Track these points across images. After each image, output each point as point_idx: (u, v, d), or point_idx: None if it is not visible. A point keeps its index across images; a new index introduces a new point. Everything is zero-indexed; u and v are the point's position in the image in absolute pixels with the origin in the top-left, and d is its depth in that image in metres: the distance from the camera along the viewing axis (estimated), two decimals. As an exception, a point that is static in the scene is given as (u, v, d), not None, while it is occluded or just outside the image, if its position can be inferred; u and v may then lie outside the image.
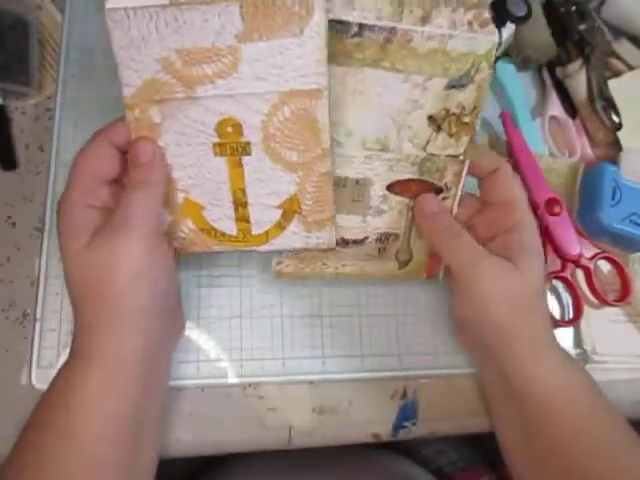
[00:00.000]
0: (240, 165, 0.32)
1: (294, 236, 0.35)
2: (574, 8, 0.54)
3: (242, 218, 0.34)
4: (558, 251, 0.48)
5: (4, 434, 0.35)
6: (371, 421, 0.42)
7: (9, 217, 0.39)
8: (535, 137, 0.53)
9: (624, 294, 0.49)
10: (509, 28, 0.50)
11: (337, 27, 0.29)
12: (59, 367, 0.32)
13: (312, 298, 0.42)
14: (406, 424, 0.42)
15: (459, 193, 0.38)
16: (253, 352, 0.40)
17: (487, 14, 0.31)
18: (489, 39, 0.30)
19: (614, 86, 0.54)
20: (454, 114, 0.33)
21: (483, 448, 0.66)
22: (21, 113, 0.42)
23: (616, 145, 0.54)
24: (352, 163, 0.35)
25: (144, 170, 0.32)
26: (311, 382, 0.41)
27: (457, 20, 0.30)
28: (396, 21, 0.30)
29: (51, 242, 0.38)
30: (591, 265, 0.48)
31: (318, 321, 0.42)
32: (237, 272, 0.41)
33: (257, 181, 0.33)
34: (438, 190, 0.37)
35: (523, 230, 0.37)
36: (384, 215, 0.38)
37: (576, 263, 0.48)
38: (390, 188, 0.37)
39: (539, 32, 0.53)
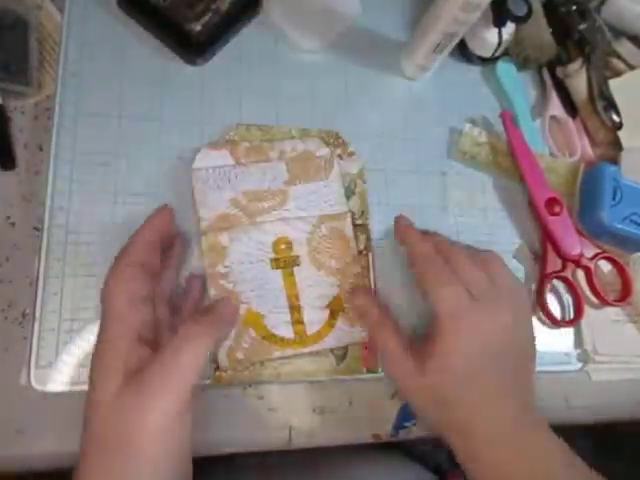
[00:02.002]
0: (292, 275, 0.40)
1: (341, 332, 0.40)
2: (574, 8, 0.54)
3: (297, 321, 0.40)
4: (558, 251, 0.48)
5: (4, 433, 0.35)
6: (371, 421, 0.42)
7: (8, 217, 0.39)
8: (535, 137, 0.53)
9: (625, 294, 0.49)
10: (509, 28, 0.51)
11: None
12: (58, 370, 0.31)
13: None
14: (406, 424, 0.42)
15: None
16: (253, 352, 0.40)
17: (351, 149, 0.46)
18: (357, 163, 0.45)
19: (614, 86, 0.54)
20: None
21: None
22: (20, 113, 0.42)
23: (616, 145, 0.54)
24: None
25: (207, 325, 0.33)
26: (311, 382, 0.41)
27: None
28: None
29: (50, 242, 0.38)
30: (592, 265, 0.48)
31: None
32: (237, 272, 0.41)
33: (307, 287, 0.40)
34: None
35: (434, 331, 0.36)
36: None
37: (577, 263, 0.48)
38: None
39: (539, 32, 0.53)
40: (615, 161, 0.53)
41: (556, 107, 0.55)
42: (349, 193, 0.44)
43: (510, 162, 0.51)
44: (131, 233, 0.40)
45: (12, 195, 0.40)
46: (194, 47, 0.45)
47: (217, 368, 0.38)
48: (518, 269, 0.48)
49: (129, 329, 0.31)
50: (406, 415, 0.42)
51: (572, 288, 0.48)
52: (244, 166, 0.41)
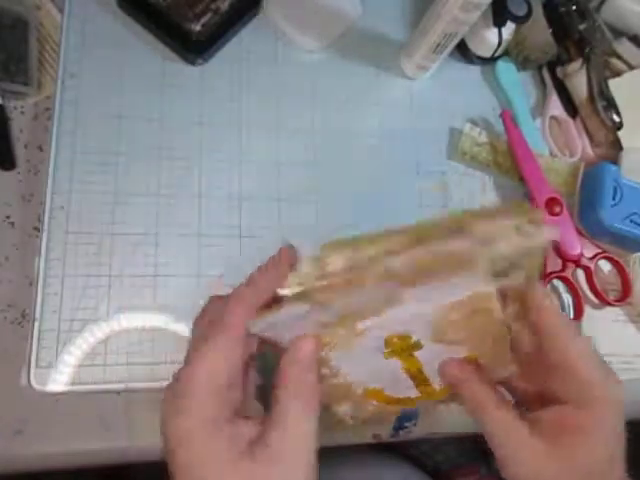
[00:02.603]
0: (413, 356, 0.32)
1: None
2: (574, 8, 0.54)
3: (422, 383, 0.34)
4: (559, 251, 0.48)
5: (4, 434, 0.35)
6: (372, 422, 0.41)
7: (8, 217, 0.39)
8: (535, 137, 0.53)
9: (625, 294, 0.49)
10: (509, 28, 0.51)
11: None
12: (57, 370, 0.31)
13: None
14: (407, 425, 0.42)
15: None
16: (253, 352, 0.40)
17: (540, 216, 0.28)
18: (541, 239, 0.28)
19: (615, 86, 0.54)
20: None
21: (481, 445, 0.66)
22: (20, 113, 0.42)
23: (617, 145, 0.54)
24: None
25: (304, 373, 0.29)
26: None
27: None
28: None
29: (50, 242, 0.38)
30: (592, 265, 0.48)
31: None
32: (237, 272, 0.41)
33: (431, 361, 0.33)
34: None
35: (578, 401, 0.28)
36: None
37: (577, 263, 0.48)
38: None
39: (539, 32, 0.53)
40: (615, 161, 0.53)
41: (556, 107, 0.55)
42: (509, 272, 0.29)
43: (510, 162, 0.51)
44: (131, 233, 0.40)
45: (12, 195, 0.40)
46: (194, 47, 0.45)
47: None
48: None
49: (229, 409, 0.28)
50: (406, 415, 0.42)
51: (572, 288, 0.48)
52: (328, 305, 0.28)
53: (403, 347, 0.32)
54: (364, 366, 0.33)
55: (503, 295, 0.30)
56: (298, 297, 0.28)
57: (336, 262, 0.27)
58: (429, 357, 0.33)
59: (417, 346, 0.32)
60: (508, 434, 0.29)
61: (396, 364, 0.33)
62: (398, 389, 0.35)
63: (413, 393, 0.35)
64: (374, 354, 0.32)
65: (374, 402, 0.35)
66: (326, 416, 0.33)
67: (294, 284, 0.29)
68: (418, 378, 0.34)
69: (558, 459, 0.28)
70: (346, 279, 0.27)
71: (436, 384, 0.34)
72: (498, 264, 0.28)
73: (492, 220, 0.28)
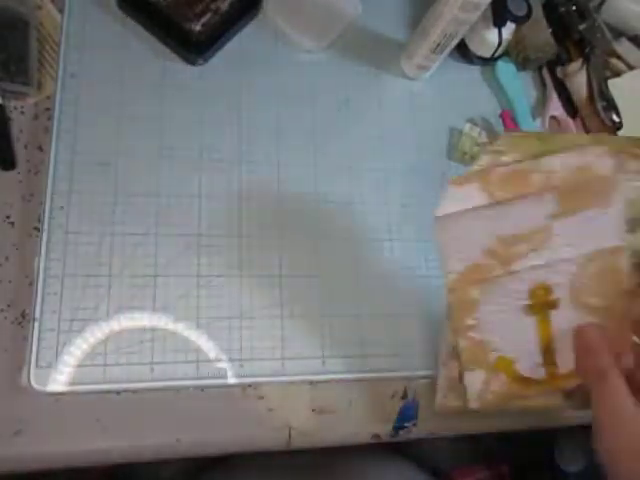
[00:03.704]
0: (547, 318, 0.35)
1: None
2: (574, 8, 0.54)
3: (550, 362, 0.36)
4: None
5: (3, 434, 0.35)
6: (371, 421, 0.41)
7: (8, 217, 0.39)
8: (535, 137, 0.53)
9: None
10: (509, 28, 0.51)
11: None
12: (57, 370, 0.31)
13: (312, 297, 0.42)
14: (407, 424, 0.42)
15: None
16: (253, 352, 0.40)
17: None
18: None
19: (614, 86, 0.54)
20: None
21: (480, 446, 0.66)
22: (20, 113, 0.41)
23: (616, 145, 0.54)
24: None
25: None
26: (311, 382, 0.41)
27: None
28: None
29: (50, 242, 0.38)
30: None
31: (317, 321, 0.42)
32: (237, 272, 0.41)
33: (563, 329, 0.35)
34: None
35: None
36: None
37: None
38: None
39: (539, 32, 0.53)
40: (615, 161, 0.53)
41: (556, 107, 0.55)
42: (636, 225, 0.34)
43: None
44: (131, 233, 0.40)
45: (12, 195, 0.40)
46: (194, 47, 0.45)
47: (445, 397, 0.38)
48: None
49: None
50: (406, 416, 0.42)
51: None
52: (500, 206, 0.33)
53: (543, 304, 0.35)
54: (503, 323, 0.35)
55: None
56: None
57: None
58: (562, 323, 0.35)
59: (555, 304, 0.35)
60: (621, 405, 0.31)
61: (532, 325, 0.35)
62: (527, 364, 0.36)
63: (539, 374, 0.36)
64: (516, 306, 0.35)
65: (502, 377, 0.36)
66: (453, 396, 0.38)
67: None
68: (547, 351, 0.36)
69: None
70: (515, 173, 0.33)
71: (561, 367, 0.36)
72: (632, 209, 0.34)
73: None
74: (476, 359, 0.36)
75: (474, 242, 0.34)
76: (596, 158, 0.34)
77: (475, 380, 0.36)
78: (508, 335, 0.36)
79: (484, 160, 0.34)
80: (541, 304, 0.35)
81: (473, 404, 0.37)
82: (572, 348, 0.35)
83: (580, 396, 0.37)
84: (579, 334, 0.35)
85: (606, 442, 0.32)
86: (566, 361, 0.35)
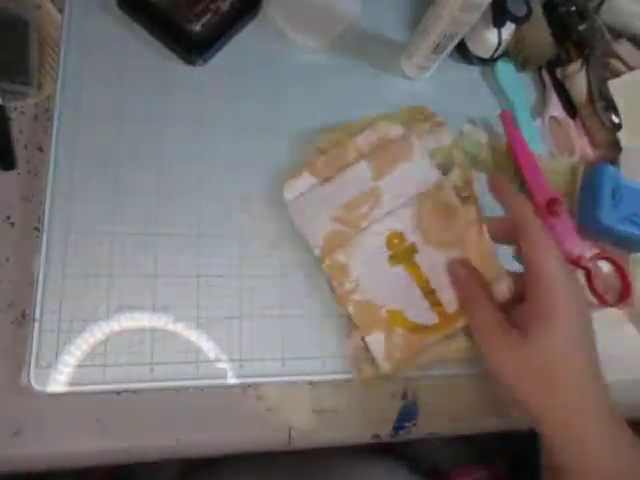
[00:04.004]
0: (415, 263, 0.40)
1: None
2: (574, 8, 0.55)
3: (435, 303, 0.39)
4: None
5: (3, 434, 0.35)
6: (371, 422, 0.41)
7: (8, 217, 0.39)
8: (535, 137, 0.53)
9: (624, 294, 0.49)
10: (509, 28, 0.51)
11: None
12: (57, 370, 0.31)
13: (313, 298, 0.42)
14: (406, 425, 0.42)
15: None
16: (253, 352, 0.40)
17: (439, 118, 0.44)
18: (449, 134, 0.44)
19: (614, 86, 0.54)
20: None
21: (477, 446, 0.66)
22: (20, 113, 0.41)
23: (616, 145, 0.54)
24: None
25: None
26: (311, 382, 0.41)
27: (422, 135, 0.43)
28: None
29: (50, 242, 0.38)
30: (591, 266, 0.48)
31: (318, 321, 0.42)
32: (237, 272, 0.41)
33: (432, 268, 0.40)
34: None
35: (538, 294, 0.34)
36: None
37: (576, 264, 0.48)
38: None
39: (539, 32, 0.53)
40: (615, 162, 0.53)
41: (556, 108, 0.55)
42: (447, 167, 0.42)
43: (510, 162, 0.51)
44: (131, 233, 0.40)
45: (12, 195, 0.40)
46: (194, 47, 0.45)
47: (360, 371, 0.40)
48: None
49: None
50: (406, 415, 0.42)
51: (572, 288, 0.48)
52: (329, 182, 0.41)
53: (403, 251, 0.40)
54: (378, 279, 0.40)
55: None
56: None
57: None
58: (429, 264, 0.40)
59: (413, 249, 0.40)
60: (495, 326, 0.35)
61: (404, 273, 0.40)
62: (415, 311, 0.40)
63: (432, 318, 0.39)
64: (381, 259, 0.40)
65: (399, 330, 0.39)
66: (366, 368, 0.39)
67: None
68: (428, 293, 0.39)
69: (527, 344, 0.33)
70: (333, 157, 0.42)
71: (448, 306, 0.39)
72: (438, 157, 0.43)
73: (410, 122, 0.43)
74: (369, 320, 0.39)
75: (322, 216, 0.40)
76: (388, 128, 0.43)
77: (377, 342, 0.39)
78: (387, 288, 0.40)
79: (310, 156, 0.43)
80: (402, 252, 0.40)
81: (385, 367, 0.39)
82: (447, 285, 0.39)
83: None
84: (448, 271, 0.39)
85: (488, 363, 0.35)
86: (450, 300, 0.39)
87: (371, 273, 0.40)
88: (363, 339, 0.40)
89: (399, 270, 0.40)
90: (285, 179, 0.42)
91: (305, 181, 0.42)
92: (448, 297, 0.39)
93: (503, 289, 0.38)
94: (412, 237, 0.40)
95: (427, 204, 0.41)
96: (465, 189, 0.42)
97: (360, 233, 0.40)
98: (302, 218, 0.41)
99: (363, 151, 0.42)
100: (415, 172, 0.42)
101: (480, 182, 0.49)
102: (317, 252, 0.40)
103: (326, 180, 0.41)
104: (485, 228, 0.39)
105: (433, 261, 0.40)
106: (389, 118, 0.44)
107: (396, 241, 0.40)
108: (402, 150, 0.42)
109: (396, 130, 0.43)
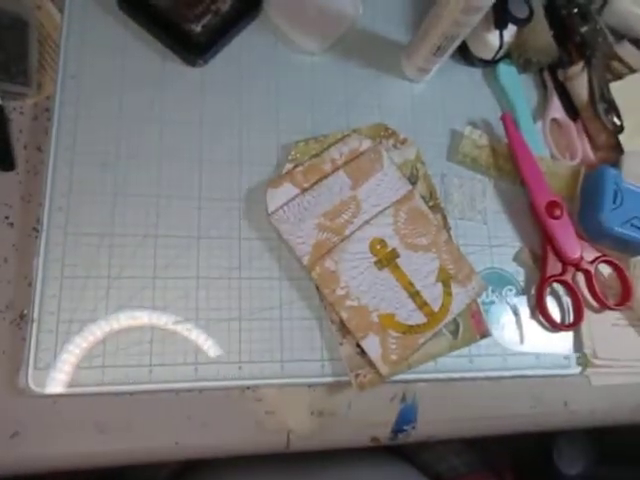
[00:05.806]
0: (398, 267, 0.43)
1: (460, 295, 0.44)
2: (576, 10, 0.54)
3: (422, 304, 0.42)
4: (559, 254, 0.48)
5: (1, 436, 0.35)
6: (370, 424, 0.41)
7: (7, 217, 0.39)
8: (536, 139, 0.53)
9: (625, 298, 0.49)
10: (511, 30, 0.50)
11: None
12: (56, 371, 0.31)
13: (312, 300, 0.42)
14: (406, 427, 0.42)
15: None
16: (252, 354, 0.40)
17: (402, 136, 0.48)
18: (412, 149, 0.48)
19: (616, 89, 0.54)
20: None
21: (485, 454, 0.66)
22: (20, 113, 0.41)
23: (617, 148, 0.54)
24: None
25: None
26: (310, 385, 0.41)
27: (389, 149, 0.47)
28: None
29: (49, 243, 0.38)
30: (592, 269, 0.48)
31: (317, 324, 0.42)
32: (237, 274, 0.41)
33: (414, 271, 0.43)
34: None
35: None
36: None
37: (577, 266, 0.48)
38: None
39: (541, 34, 0.53)
40: (616, 164, 0.53)
41: (557, 110, 0.55)
42: (414, 179, 0.47)
43: (511, 165, 0.51)
44: (131, 233, 0.40)
45: (11, 195, 0.39)
46: (194, 48, 0.44)
47: (357, 376, 0.40)
48: (518, 272, 0.48)
49: None
50: (405, 418, 0.42)
51: (572, 292, 0.48)
52: (310, 190, 0.43)
53: (386, 256, 0.43)
54: (367, 283, 0.42)
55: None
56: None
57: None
58: (411, 266, 0.43)
59: (395, 254, 0.43)
60: None
61: (389, 277, 0.42)
62: (405, 313, 0.42)
63: (421, 318, 0.42)
64: (367, 264, 0.42)
65: (393, 333, 0.41)
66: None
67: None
68: (414, 295, 0.42)
69: None
70: (310, 168, 0.44)
71: (434, 305, 0.42)
72: (404, 170, 0.46)
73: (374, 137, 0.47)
74: (363, 324, 0.41)
75: (306, 224, 0.42)
76: (359, 142, 0.46)
77: (372, 345, 0.40)
78: (376, 293, 0.42)
79: (287, 167, 0.44)
80: (385, 257, 0.43)
81: (383, 370, 0.40)
82: (430, 285, 0.43)
83: (464, 333, 0.44)
84: None
85: None
86: (434, 298, 0.43)
87: (360, 279, 0.42)
88: (358, 345, 0.40)
89: (386, 274, 0.42)
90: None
91: (287, 191, 0.43)
92: (432, 296, 0.43)
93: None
94: (393, 242, 0.43)
95: (402, 211, 0.44)
96: (430, 199, 0.46)
97: (345, 240, 0.42)
98: (288, 227, 0.42)
99: (338, 163, 0.45)
100: (388, 182, 0.45)
101: (475, 183, 0.50)
102: (305, 260, 0.41)
103: (306, 190, 0.43)
104: (452, 232, 0.46)
105: (414, 263, 0.43)
106: (359, 132, 0.47)
107: (379, 247, 0.43)
108: (374, 161, 0.45)
109: (366, 143, 0.46)
